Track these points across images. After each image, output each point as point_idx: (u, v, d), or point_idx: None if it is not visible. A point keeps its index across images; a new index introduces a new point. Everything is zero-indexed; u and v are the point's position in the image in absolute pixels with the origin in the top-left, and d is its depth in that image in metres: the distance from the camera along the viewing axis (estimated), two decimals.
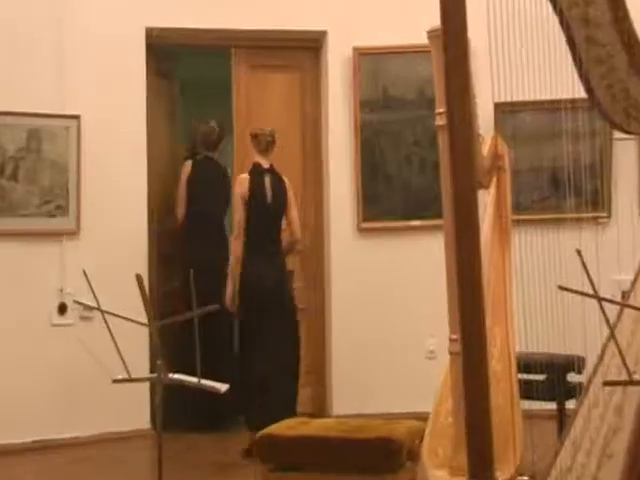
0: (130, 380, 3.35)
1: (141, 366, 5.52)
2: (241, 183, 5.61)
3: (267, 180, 5.63)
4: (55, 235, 5.96)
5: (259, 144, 5.69)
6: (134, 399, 5.92)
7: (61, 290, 5.91)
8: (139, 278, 3.21)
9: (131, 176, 6.15)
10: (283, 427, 3.73)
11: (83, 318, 5.86)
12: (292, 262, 6.55)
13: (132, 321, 3.32)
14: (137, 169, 6.18)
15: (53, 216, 5.94)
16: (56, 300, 5.92)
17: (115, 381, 3.37)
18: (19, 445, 5.69)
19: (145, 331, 3.49)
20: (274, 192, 5.63)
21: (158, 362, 3.27)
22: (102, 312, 3.29)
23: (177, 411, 5.22)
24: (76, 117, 5.94)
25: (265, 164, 5.69)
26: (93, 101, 6.03)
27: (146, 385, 5.99)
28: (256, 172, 5.63)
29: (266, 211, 5.57)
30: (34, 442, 5.73)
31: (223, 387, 3.25)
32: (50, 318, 5.92)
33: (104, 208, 6.04)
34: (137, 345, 5.34)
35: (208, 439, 6.02)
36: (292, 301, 5.71)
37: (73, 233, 5.98)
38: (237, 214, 5.57)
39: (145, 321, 3.30)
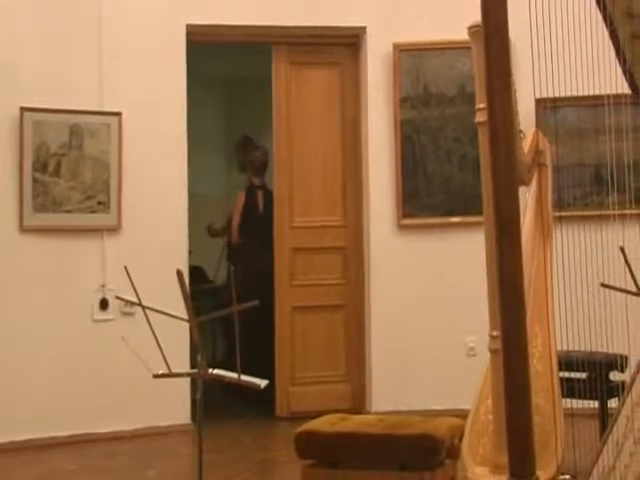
0: (170, 375, 3.37)
1: (182, 361, 5.58)
2: (239, 198, 7.18)
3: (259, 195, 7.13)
4: (96, 231, 6.01)
5: (254, 167, 7.17)
6: (175, 394, 5.96)
7: (102, 286, 5.96)
8: (180, 274, 3.23)
9: (171, 172, 6.18)
10: (323, 423, 3.73)
11: (124, 314, 5.91)
12: (332, 259, 6.58)
13: (173, 316, 3.34)
14: (177, 165, 6.21)
15: (94, 212, 5.99)
16: (97, 296, 5.97)
17: (155, 376, 3.39)
18: (60, 438, 5.74)
19: (186, 327, 3.50)
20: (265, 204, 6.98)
21: (198, 357, 3.29)
22: (143, 307, 3.31)
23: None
24: (117, 114, 5.99)
25: (257, 182, 7.15)
26: (134, 98, 6.07)
27: (187, 380, 6.04)
28: (250, 189, 7.14)
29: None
30: (74, 436, 5.79)
31: (263, 382, 3.26)
32: (92, 314, 5.97)
33: (145, 204, 6.08)
34: (178, 340, 5.39)
35: (248, 434, 6.04)
36: None
37: (114, 229, 6.03)
38: (234, 221, 7.14)
39: (185, 317, 3.31)
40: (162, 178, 6.14)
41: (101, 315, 6.00)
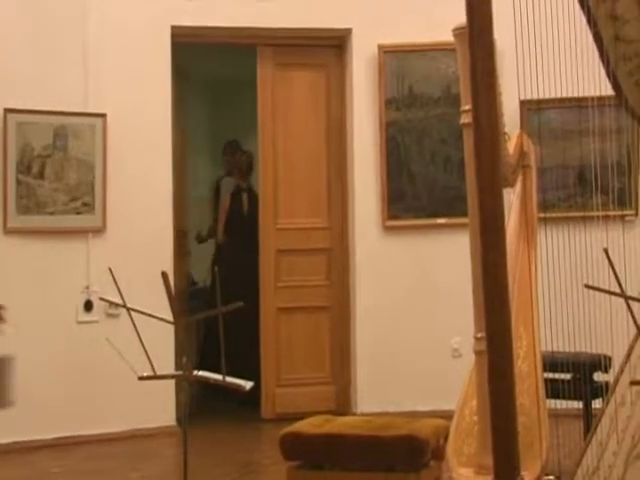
0: (155, 377, 3.37)
1: (167, 363, 5.57)
2: (225, 200, 7.31)
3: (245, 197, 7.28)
4: (81, 232, 5.99)
5: (240, 169, 7.36)
6: (160, 396, 5.94)
7: (87, 287, 5.95)
8: (164, 275, 3.23)
9: (156, 174, 6.16)
10: (308, 425, 3.73)
11: (109, 315, 5.89)
12: (317, 260, 6.58)
13: (158, 318, 3.33)
14: (162, 167, 6.19)
15: (79, 213, 5.97)
16: (82, 297, 5.95)
17: (141, 378, 3.38)
18: (44, 441, 5.72)
19: (170, 328, 3.50)
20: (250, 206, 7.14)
21: (184, 359, 3.28)
22: (127, 309, 3.30)
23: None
24: (102, 115, 5.97)
25: (243, 185, 7.32)
26: (119, 99, 6.05)
27: (171, 382, 6.02)
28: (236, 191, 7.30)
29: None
30: (59, 438, 5.77)
31: (248, 384, 3.25)
32: (76, 315, 5.95)
33: (130, 205, 6.06)
34: (162, 342, 5.38)
35: (234, 436, 6.04)
36: None
37: (99, 230, 6.02)
38: (220, 223, 7.28)
39: (171, 318, 3.31)
40: (147, 179, 6.12)
41: (85, 317, 5.98)
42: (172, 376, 3.90)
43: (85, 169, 5.97)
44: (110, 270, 3.35)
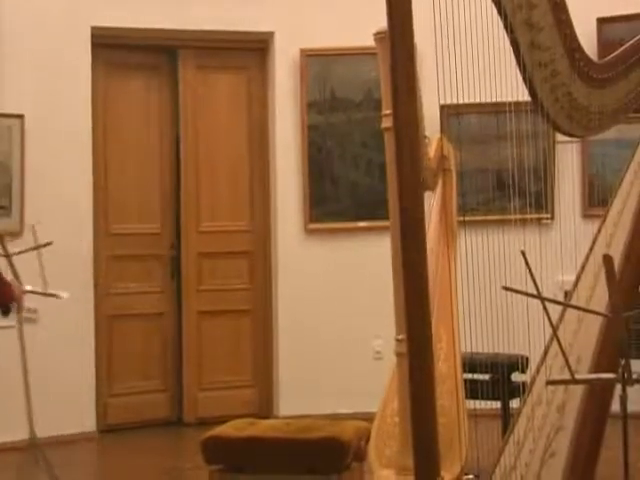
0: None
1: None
2: None
3: None
4: None
5: None
6: (80, 401, 5.86)
7: None
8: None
9: (76, 176, 6.07)
10: (230, 428, 3.72)
11: (26, 320, 5.76)
12: (239, 263, 6.57)
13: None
14: (82, 168, 6.11)
15: None
16: None
17: None
18: None
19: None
20: None
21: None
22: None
23: None
24: (19, 116, 5.87)
25: None
26: (36, 100, 5.95)
27: (92, 387, 5.95)
28: None
29: None
30: None
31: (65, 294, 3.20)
32: None
33: (48, 208, 5.96)
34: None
35: (156, 441, 5.98)
36: None
37: (16, 234, 5.90)
38: None
39: None
40: (66, 181, 6.03)
41: (3, 322, 5.84)
42: None
43: (2, 171, 5.86)
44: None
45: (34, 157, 5.93)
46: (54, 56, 6.02)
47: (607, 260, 2.46)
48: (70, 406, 5.85)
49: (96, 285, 6.07)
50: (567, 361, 2.56)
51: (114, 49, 6.39)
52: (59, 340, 5.78)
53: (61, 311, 5.71)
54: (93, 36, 6.15)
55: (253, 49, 6.67)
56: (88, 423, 5.99)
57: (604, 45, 6.02)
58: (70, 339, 5.83)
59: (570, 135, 3.34)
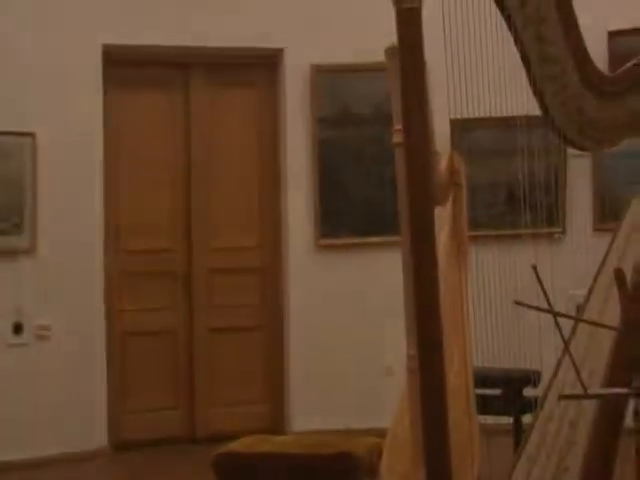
0: None
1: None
2: None
3: None
4: (11, 253, 5.89)
5: None
6: (91, 419, 5.86)
7: (17, 309, 5.84)
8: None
9: (88, 193, 6.10)
10: (243, 444, 3.72)
11: (39, 337, 5.78)
12: (250, 280, 6.57)
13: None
14: (93, 185, 6.13)
15: (9, 234, 5.88)
16: (12, 319, 5.84)
17: None
18: None
19: None
20: None
21: None
22: None
23: None
24: (31, 134, 5.90)
25: None
26: (48, 119, 5.98)
27: (104, 404, 5.95)
28: None
29: None
30: None
31: None
32: (5, 338, 5.84)
33: (60, 226, 5.98)
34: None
35: (168, 457, 5.97)
36: None
37: (29, 251, 5.92)
38: None
39: None
40: (78, 199, 6.05)
41: (15, 339, 5.86)
42: None
43: (14, 189, 5.90)
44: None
45: (46, 175, 5.96)
46: (66, 74, 6.06)
47: (619, 274, 2.45)
48: (82, 423, 5.86)
49: (107, 302, 6.10)
50: (579, 376, 2.54)
51: (125, 66, 6.42)
52: (71, 357, 5.80)
53: (73, 328, 5.74)
54: (104, 53, 6.19)
55: (264, 65, 6.69)
56: (100, 440, 6.00)
57: (615, 58, 6.01)
58: (82, 356, 5.84)
59: (581, 149, 3.33)
